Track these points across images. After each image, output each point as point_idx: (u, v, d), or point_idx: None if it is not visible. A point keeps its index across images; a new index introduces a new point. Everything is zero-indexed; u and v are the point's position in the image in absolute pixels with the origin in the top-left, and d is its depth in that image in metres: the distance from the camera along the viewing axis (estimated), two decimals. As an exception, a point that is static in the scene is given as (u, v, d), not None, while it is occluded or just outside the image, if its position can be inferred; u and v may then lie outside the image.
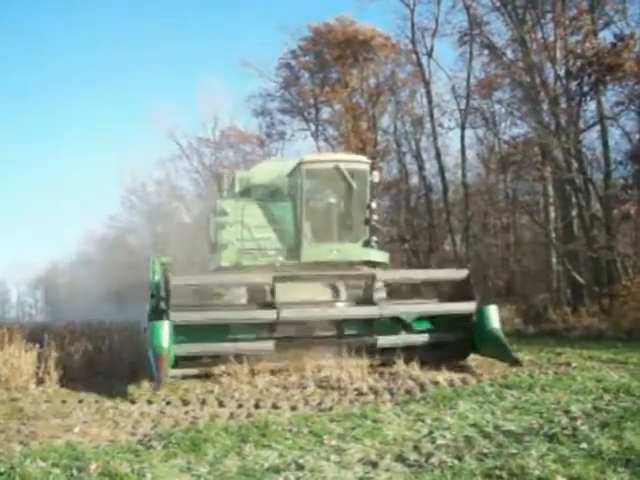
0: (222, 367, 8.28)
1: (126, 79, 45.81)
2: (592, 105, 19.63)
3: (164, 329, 7.87)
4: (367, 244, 11.64)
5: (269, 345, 8.58)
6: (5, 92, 45.41)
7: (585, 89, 18.71)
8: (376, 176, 12.05)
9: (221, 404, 6.94)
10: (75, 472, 4.46)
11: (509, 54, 22.51)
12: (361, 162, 11.96)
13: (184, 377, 8.33)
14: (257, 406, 6.78)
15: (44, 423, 6.21)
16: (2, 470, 4.40)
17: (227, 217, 11.52)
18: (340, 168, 11.36)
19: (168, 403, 7.03)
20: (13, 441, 5.56)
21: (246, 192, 12.51)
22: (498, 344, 8.90)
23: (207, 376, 8.32)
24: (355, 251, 11.47)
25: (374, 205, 11.75)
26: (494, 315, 9.15)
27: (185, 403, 7.01)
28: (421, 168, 27.11)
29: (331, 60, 28.75)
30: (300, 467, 4.44)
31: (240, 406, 6.82)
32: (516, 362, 8.59)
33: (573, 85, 18.97)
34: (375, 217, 11.97)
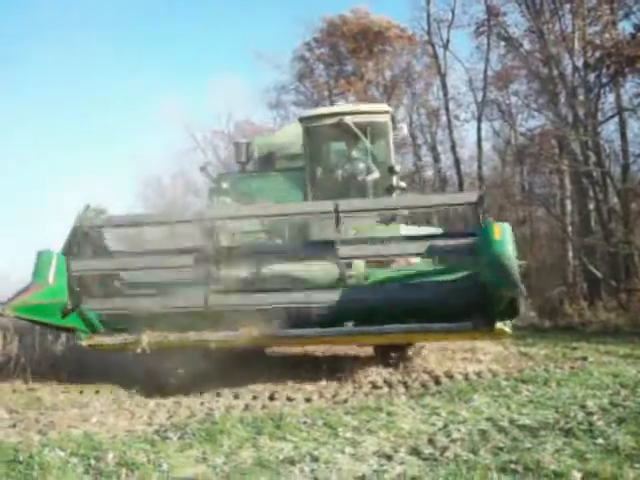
0: (146, 337, 6.89)
1: (139, 72, 45.88)
2: (610, 97, 19.49)
3: (53, 261, 6.69)
4: (392, 218, 8.73)
5: (198, 295, 6.84)
6: (13, 87, 45.64)
7: (604, 81, 18.56)
8: (403, 128, 10.14)
9: (236, 396, 6.97)
10: (93, 461, 4.51)
11: (526, 45, 22.38)
12: (376, 112, 9.50)
13: (101, 348, 7.29)
14: (272, 398, 6.80)
15: (62, 413, 6.26)
16: (21, 459, 4.45)
17: (226, 196, 9.72)
18: (346, 122, 9.04)
19: (184, 394, 7.07)
20: (31, 430, 5.60)
21: (267, 161, 10.66)
22: (500, 271, 5.86)
23: (129, 348, 7.05)
24: (378, 228, 8.61)
25: (398, 168, 9.28)
26: (500, 233, 6.13)
27: (200, 394, 7.04)
28: (436, 160, 27.04)
29: (346, 52, 28.72)
30: (315, 459, 4.45)
31: (255, 398, 6.84)
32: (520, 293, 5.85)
33: (591, 77, 18.81)
34: (402, 184, 9.42)
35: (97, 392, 7.26)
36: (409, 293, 6.89)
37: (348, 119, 9.05)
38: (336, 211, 6.81)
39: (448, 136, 25.84)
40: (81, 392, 7.31)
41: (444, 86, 25.56)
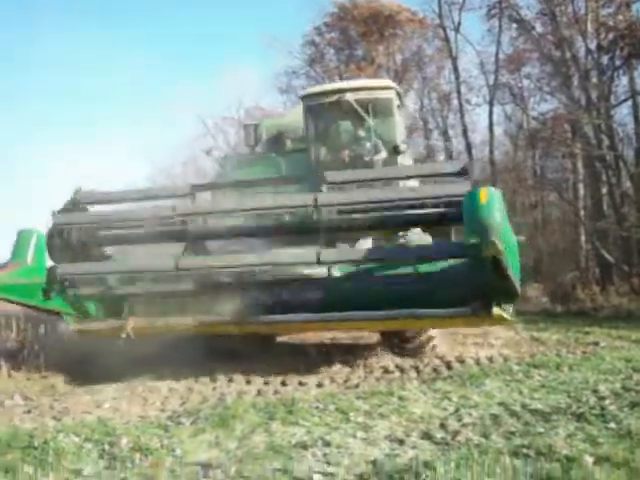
0: (131, 322, 6.78)
1: (152, 57, 45.93)
2: (624, 80, 19.34)
3: (32, 241, 6.59)
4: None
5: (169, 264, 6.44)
6: (22, 73, 45.67)
7: (617, 63, 18.41)
8: (409, 106, 9.44)
9: (248, 381, 6.99)
10: (107, 447, 4.55)
11: (538, 28, 22.13)
12: (379, 88, 8.99)
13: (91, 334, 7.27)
14: (283, 383, 6.82)
15: (76, 399, 6.33)
16: (36, 444, 4.51)
17: (224, 178, 9.24)
18: (348, 100, 8.53)
19: (196, 380, 7.10)
20: (46, 417, 5.68)
21: (276, 142, 10.02)
22: (482, 233, 5.23)
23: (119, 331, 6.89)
24: None
25: (404, 147, 8.71)
26: (486, 197, 5.44)
27: (213, 380, 7.08)
28: (447, 139, 26.91)
29: (357, 36, 28.52)
30: (327, 443, 4.47)
31: (267, 383, 6.87)
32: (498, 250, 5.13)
33: (604, 59, 18.66)
34: (409, 162, 9.03)
35: (110, 379, 7.29)
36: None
37: (349, 96, 8.57)
38: (315, 205, 6.39)
39: (459, 120, 25.67)
40: (93, 379, 7.34)
41: (455, 69, 25.37)
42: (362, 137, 8.81)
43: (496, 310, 5.96)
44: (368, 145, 8.68)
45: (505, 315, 6.14)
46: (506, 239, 5.32)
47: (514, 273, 5.58)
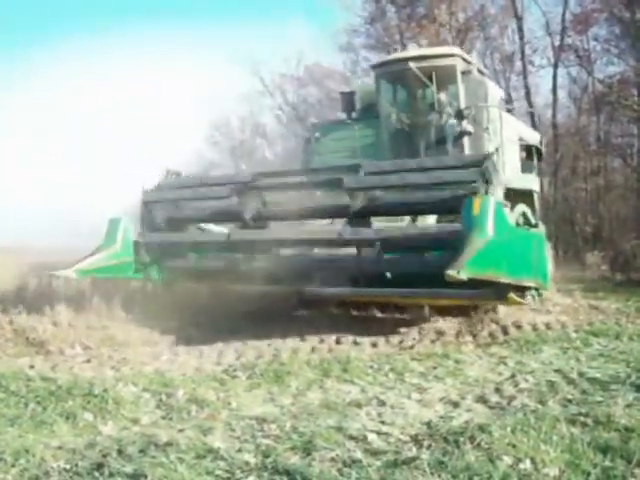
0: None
1: (210, 13, 45.74)
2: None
3: (120, 227, 7.76)
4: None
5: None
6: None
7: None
8: (472, 67, 9.31)
9: (303, 339, 7.04)
10: (164, 397, 4.66)
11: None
12: (442, 56, 9.37)
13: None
14: (338, 342, 6.85)
15: (134, 350, 6.47)
16: (96, 393, 4.62)
17: (319, 144, 10.17)
18: (412, 69, 8.95)
19: (251, 335, 7.16)
20: (105, 366, 5.83)
21: (369, 110, 10.21)
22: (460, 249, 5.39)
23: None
24: None
25: (467, 112, 9.07)
26: (479, 208, 5.65)
27: (267, 336, 7.13)
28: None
29: (419, -7, 27.86)
30: (381, 403, 4.49)
31: (322, 341, 6.90)
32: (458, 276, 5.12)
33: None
34: (469, 128, 9.09)
35: (167, 331, 7.42)
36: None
37: (412, 65, 9.04)
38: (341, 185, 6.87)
39: (522, 82, 25.01)
40: (152, 330, 7.47)
41: (520, 30, 24.63)
42: (427, 105, 9.41)
43: (511, 296, 6.00)
44: (433, 113, 9.24)
45: (523, 300, 6.30)
46: (501, 246, 5.63)
47: (515, 272, 5.73)
